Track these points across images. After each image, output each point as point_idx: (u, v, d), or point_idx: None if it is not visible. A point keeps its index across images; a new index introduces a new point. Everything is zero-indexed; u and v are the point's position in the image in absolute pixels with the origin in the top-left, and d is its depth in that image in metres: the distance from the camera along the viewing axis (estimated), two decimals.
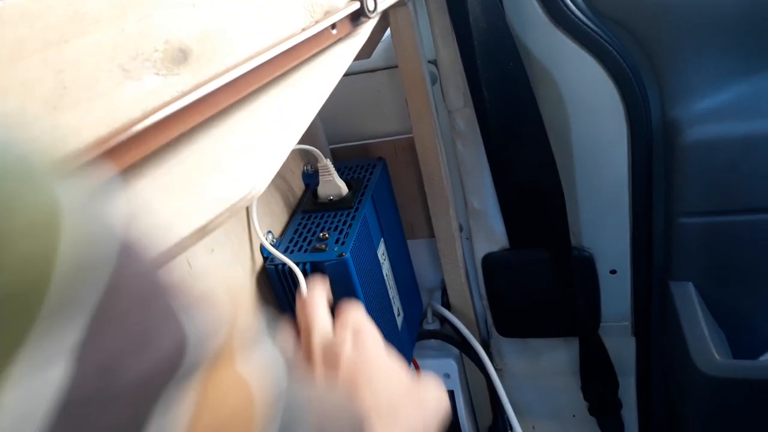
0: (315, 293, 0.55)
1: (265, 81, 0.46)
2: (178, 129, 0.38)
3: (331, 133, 0.90)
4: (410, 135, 0.87)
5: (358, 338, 0.49)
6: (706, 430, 0.91)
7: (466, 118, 0.86)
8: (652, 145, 0.84)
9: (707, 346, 0.85)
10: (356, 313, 0.52)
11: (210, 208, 0.32)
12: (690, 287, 0.91)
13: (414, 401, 0.45)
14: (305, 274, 0.65)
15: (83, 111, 0.32)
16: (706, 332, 0.86)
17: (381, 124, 0.90)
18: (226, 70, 0.41)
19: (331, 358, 0.48)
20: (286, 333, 0.53)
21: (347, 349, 0.48)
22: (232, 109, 0.42)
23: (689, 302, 0.90)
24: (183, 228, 0.31)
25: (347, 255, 0.65)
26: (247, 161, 0.37)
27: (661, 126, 0.83)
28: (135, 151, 0.34)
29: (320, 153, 0.73)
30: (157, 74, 0.36)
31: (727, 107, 0.80)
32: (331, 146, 0.91)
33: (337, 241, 0.68)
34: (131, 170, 0.33)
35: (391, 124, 0.90)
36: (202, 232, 0.31)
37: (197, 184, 0.34)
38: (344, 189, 0.75)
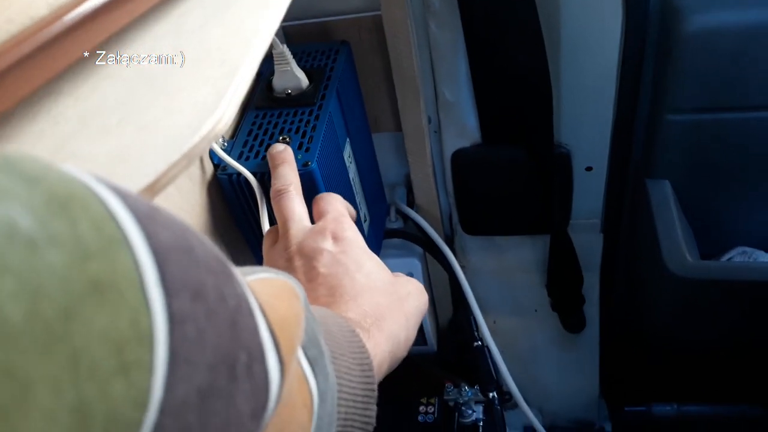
0: (287, 182, 0.51)
1: None
2: (107, 28, 0.27)
3: None
4: (376, 13, 0.75)
5: (337, 229, 0.45)
6: (669, 326, 0.91)
7: None
8: (646, 34, 0.75)
9: (679, 246, 0.83)
10: (334, 203, 0.49)
11: (158, 157, 0.22)
12: (667, 185, 0.87)
13: (397, 306, 0.42)
14: (263, 186, 0.56)
15: None
16: (679, 232, 0.84)
17: None
18: None
19: (311, 251, 0.44)
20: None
21: (327, 242, 0.44)
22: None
23: (665, 201, 0.86)
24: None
25: (314, 164, 0.56)
26: (208, 72, 0.27)
27: (660, 13, 0.74)
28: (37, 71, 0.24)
29: (275, 37, 0.60)
30: None
31: None
32: (284, 24, 0.78)
33: (300, 146, 0.58)
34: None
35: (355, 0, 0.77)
36: (151, 192, 0.22)
37: (138, 120, 0.24)
38: (304, 81, 0.64)
